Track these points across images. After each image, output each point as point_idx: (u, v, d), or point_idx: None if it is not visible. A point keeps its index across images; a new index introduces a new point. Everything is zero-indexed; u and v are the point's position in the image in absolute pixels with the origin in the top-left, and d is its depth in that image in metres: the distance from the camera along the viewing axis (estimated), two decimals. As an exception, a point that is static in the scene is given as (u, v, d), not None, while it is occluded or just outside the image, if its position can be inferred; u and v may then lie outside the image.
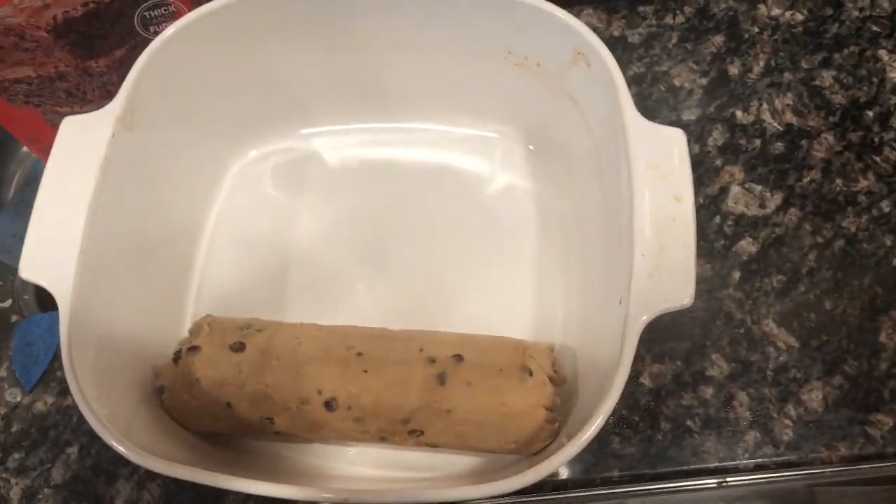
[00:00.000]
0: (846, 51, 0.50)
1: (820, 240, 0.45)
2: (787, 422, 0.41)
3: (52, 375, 0.44)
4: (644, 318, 0.31)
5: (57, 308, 0.33)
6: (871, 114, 0.48)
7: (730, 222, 0.45)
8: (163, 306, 0.42)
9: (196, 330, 0.39)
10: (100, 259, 0.36)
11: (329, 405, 0.36)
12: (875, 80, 0.49)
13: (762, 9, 0.51)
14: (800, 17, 0.51)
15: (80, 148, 0.35)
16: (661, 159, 0.34)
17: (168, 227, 0.42)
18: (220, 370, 0.37)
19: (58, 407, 0.43)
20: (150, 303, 0.40)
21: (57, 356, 0.44)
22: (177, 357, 0.38)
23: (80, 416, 0.43)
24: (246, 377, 0.36)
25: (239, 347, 0.37)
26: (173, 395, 0.37)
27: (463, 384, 0.36)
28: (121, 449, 0.32)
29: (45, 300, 0.49)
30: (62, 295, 0.34)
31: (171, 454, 0.35)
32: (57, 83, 0.42)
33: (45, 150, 0.36)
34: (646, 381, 0.42)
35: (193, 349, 0.37)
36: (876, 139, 0.47)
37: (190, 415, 0.38)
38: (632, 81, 0.49)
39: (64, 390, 0.44)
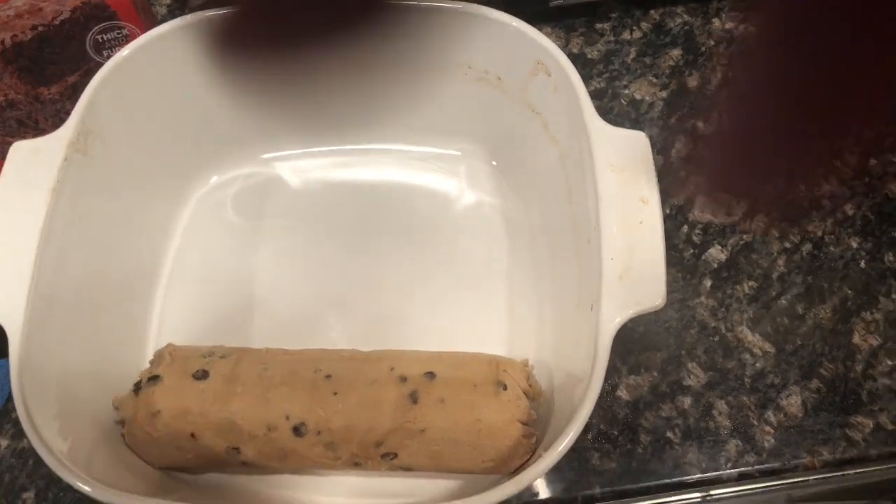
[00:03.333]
0: (801, 61, 0.51)
1: (788, 245, 0.45)
2: (768, 428, 0.40)
3: (6, 417, 0.42)
4: (617, 320, 0.31)
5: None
6: (829, 120, 0.48)
7: (697, 231, 0.45)
8: (123, 337, 0.40)
9: (157, 359, 0.37)
10: (53, 289, 0.34)
11: (298, 431, 0.35)
12: (831, 87, 0.49)
13: (716, 22, 0.52)
14: (753, 30, 0.52)
15: (29, 174, 0.34)
16: (624, 162, 0.34)
17: (127, 254, 0.41)
18: (182, 399, 0.35)
19: (13, 450, 0.41)
20: (110, 334, 0.39)
21: (12, 397, 0.42)
22: (137, 388, 0.36)
23: (37, 460, 0.40)
24: (210, 405, 0.35)
25: (202, 375, 0.36)
26: (134, 428, 0.36)
27: (436, 401, 0.35)
28: (83, 487, 0.30)
29: (4, 343, 0.47)
30: (12, 327, 0.32)
31: (134, 491, 0.34)
32: (7, 112, 0.40)
33: (-4, 181, 0.35)
34: (623, 393, 0.41)
35: (154, 379, 0.36)
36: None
37: (153, 448, 0.36)
38: (593, 96, 0.49)
39: (19, 432, 0.41)
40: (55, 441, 0.32)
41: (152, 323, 0.42)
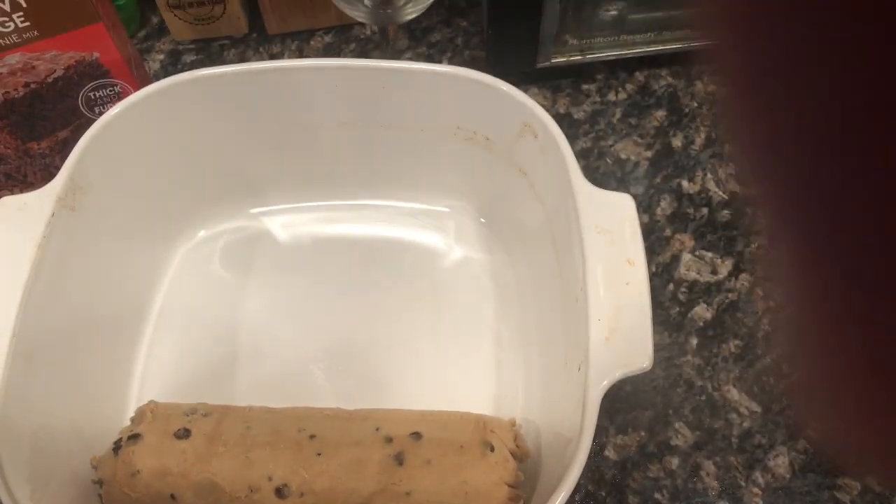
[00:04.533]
0: (781, 123, 0.52)
1: (772, 304, 0.45)
2: (756, 490, 0.40)
3: (-20, 476, 0.41)
4: (604, 382, 0.31)
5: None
6: (810, 181, 0.49)
7: (683, 289, 0.45)
8: (104, 394, 0.40)
9: (138, 417, 0.37)
10: (34, 345, 0.34)
11: (280, 492, 0.34)
12: (811, 149, 0.51)
13: (699, 85, 0.53)
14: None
15: (16, 228, 0.34)
16: (610, 224, 0.34)
17: (111, 310, 0.40)
18: (163, 459, 0.34)
19: (-15, 510, 0.40)
20: (91, 391, 0.38)
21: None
22: (117, 447, 0.35)
23: (10, 519, 0.40)
24: (191, 465, 0.34)
25: (184, 434, 0.35)
26: (113, 488, 0.35)
27: (422, 463, 0.34)
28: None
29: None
30: (-9, 383, 0.32)
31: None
32: (-4, 166, 0.41)
33: (-19, 234, 0.34)
34: (610, 453, 0.41)
35: (134, 437, 0.35)
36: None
37: (131, 510, 0.35)
38: (579, 156, 0.50)
39: (-7, 491, 0.40)
40: (29, 502, 0.31)
41: (134, 378, 0.42)
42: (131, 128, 0.38)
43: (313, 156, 0.45)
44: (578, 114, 0.52)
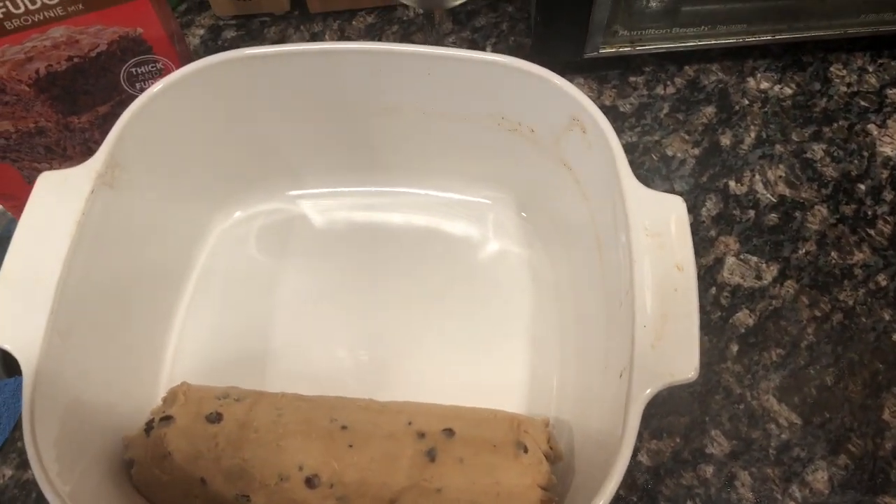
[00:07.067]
0: (835, 125, 0.50)
1: (818, 313, 0.44)
2: (792, 504, 0.39)
3: (12, 446, 0.41)
4: (648, 391, 0.30)
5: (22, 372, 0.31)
6: (863, 187, 0.48)
7: (726, 294, 0.44)
8: (137, 373, 0.39)
9: (170, 398, 0.36)
10: (71, 321, 0.33)
11: (310, 482, 0.34)
12: (865, 153, 0.49)
13: (751, 82, 0.52)
14: (788, 91, 0.51)
15: (56, 204, 0.34)
16: (660, 227, 0.33)
17: (147, 288, 0.40)
18: (194, 443, 0.34)
19: (17, 480, 0.40)
20: (124, 369, 0.38)
21: (19, 425, 0.41)
22: (148, 427, 0.35)
23: (40, 492, 0.40)
24: (222, 450, 0.34)
25: (215, 418, 0.35)
26: (143, 469, 0.35)
27: (454, 461, 0.34)
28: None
29: (11, 364, 0.47)
30: (27, 359, 0.31)
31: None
32: (36, 139, 0.40)
33: (20, 207, 0.34)
34: (643, 458, 0.40)
35: (167, 419, 0.35)
36: (869, 212, 0.47)
37: (161, 491, 0.35)
38: (624, 150, 0.49)
39: (25, 462, 0.41)
40: (60, 478, 0.31)
41: (167, 357, 0.42)
42: (172, 105, 0.37)
43: (352, 140, 0.44)
44: (625, 107, 0.51)
